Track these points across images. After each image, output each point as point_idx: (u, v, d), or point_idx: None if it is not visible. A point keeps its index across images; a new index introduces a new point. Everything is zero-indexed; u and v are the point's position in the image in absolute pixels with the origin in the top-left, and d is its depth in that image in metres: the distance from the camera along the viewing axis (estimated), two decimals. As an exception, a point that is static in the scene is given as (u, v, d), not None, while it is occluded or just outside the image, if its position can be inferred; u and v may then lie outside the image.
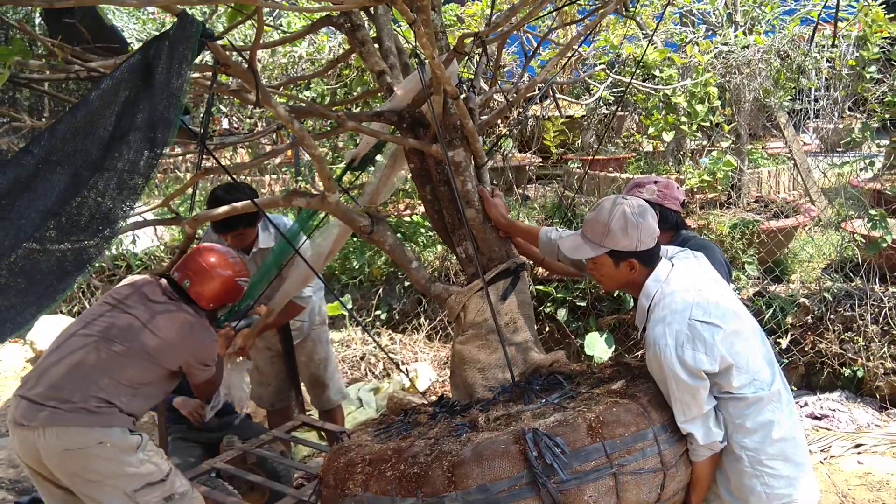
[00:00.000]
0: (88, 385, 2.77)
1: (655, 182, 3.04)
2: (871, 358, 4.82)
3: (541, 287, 5.62)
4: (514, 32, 3.89)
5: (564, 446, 2.15)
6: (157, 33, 2.03)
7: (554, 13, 4.62)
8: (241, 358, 3.68)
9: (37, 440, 2.71)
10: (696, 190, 5.71)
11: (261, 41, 2.34)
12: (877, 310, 4.88)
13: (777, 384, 2.35)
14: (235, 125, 8.84)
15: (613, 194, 2.95)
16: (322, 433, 4.31)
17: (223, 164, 2.89)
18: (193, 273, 3.13)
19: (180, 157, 8.35)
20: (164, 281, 3.16)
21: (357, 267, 6.36)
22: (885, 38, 5.46)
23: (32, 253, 1.83)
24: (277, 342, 4.20)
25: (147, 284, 3.12)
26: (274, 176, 8.56)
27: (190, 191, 3.54)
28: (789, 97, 6.26)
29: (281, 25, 6.88)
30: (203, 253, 3.20)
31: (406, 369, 5.61)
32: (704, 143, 6.50)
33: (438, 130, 2.75)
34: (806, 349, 5.02)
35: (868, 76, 5.56)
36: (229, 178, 2.75)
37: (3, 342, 1.91)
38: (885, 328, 4.84)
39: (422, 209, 6.39)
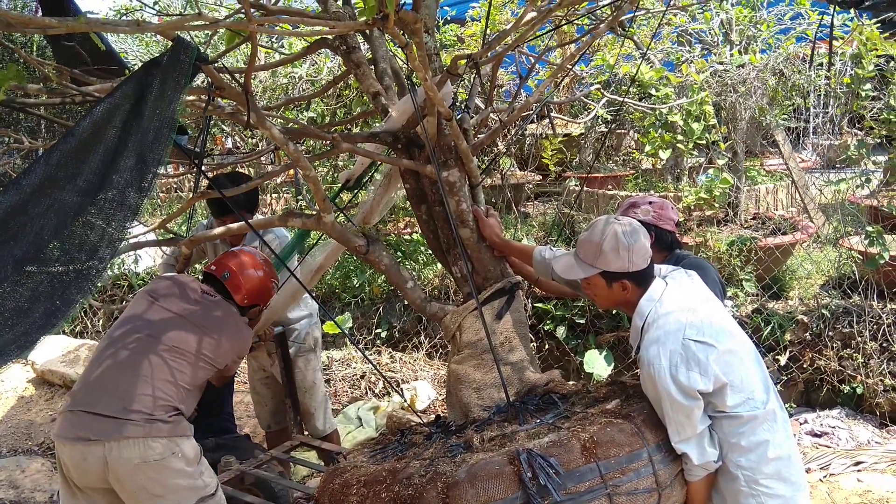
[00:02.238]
0: (158, 393, 2.76)
1: (650, 203, 3.05)
2: (871, 375, 4.82)
3: (540, 305, 5.62)
4: (511, 52, 3.93)
5: (558, 467, 2.15)
6: (158, 56, 2.06)
7: (551, 33, 4.66)
8: None
9: (108, 454, 2.67)
10: (693, 207, 5.72)
11: (261, 63, 2.36)
12: (875, 326, 4.87)
13: (772, 403, 2.35)
14: (238, 145, 8.90)
15: (608, 213, 2.96)
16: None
17: (216, 186, 2.91)
18: (233, 267, 3.17)
19: (182, 178, 8.41)
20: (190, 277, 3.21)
21: (357, 285, 6.38)
22: (880, 55, 5.49)
23: (31, 276, 1.84)
24: (270, 365, 4.21)
25: (184, 282, 3.13)
26: (275, 195, 8.60)
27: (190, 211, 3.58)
28: (786, 115, 6.29)
29: (283, 47, 6.95)
30: (240, 252, 3.26)
31: (404, 388, 5.60)
32: (702, 160, 6.52)
33: (432, 151, 2.77)
34: (805, 366, 5.01)
35: (864, 94, 5.58)
36: (223, 198, 2.77)
37: (6, 363, 1.93)
38: (884, 345, 4.83)
39: (421, 228, 6.40)
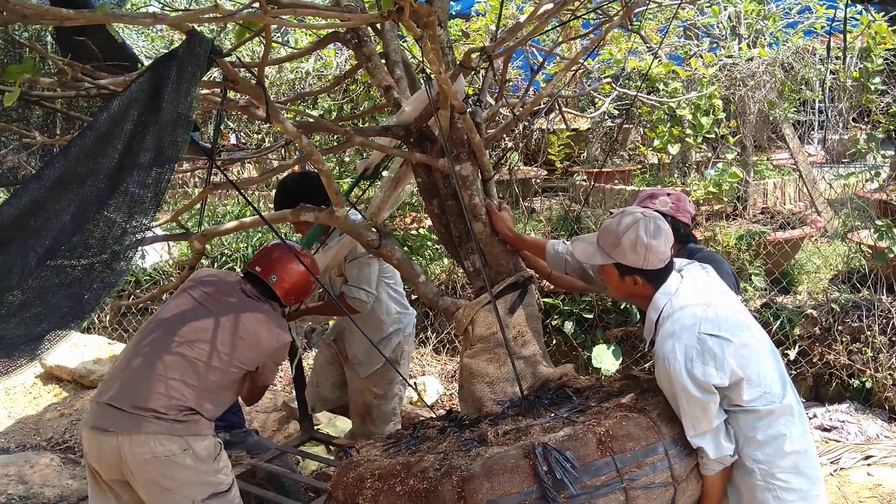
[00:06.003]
0: (172, 393, 2.78)
1: (668, 194, 3.06)
2: (880, 369, 4.80)
3: (548, 299, 5.62)
4: (520, 47, 3.91)
5: (574, 461, 2.15)
6: (166, 51, 2.05)
7: (559, 28, 4.65)
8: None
9: (121, 446, 2.72)
10: (702, 202, 5.71)
11: (269, 57, 2.35)
12: (884, 321, 4.86)
13: (789, 397, 2.35)
14: (243, 140, 8.89)
15: (618, 208, 2.95)
16: (330, 447, 4.30)
17: (230, 179, 2.91)
18: (279, 268, 3.13)
19: (189, 173, 8.40)
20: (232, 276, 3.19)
21: (364, 281, 6.36)
22: (889, 49, 5.47)
23: (56, 272, 1.84)
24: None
25: (227, 281, 3.11)
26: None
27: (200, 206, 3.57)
28: (794, 109, 6.27)
29: (289, 42, 6.93)
30: (282, 247, 3.18)
31: (414, 383, 5.60)
32: (710, 154, 6.51)
33: (445, 145, 2.76)
34: (814, 360, 5.00)
35: (872, 87, 5.57)
36: (238, 192, 2.76)
37: (37, 359, 1.94)
38: (893, 339, 4.81)
39: (428, 223, 6.41)
